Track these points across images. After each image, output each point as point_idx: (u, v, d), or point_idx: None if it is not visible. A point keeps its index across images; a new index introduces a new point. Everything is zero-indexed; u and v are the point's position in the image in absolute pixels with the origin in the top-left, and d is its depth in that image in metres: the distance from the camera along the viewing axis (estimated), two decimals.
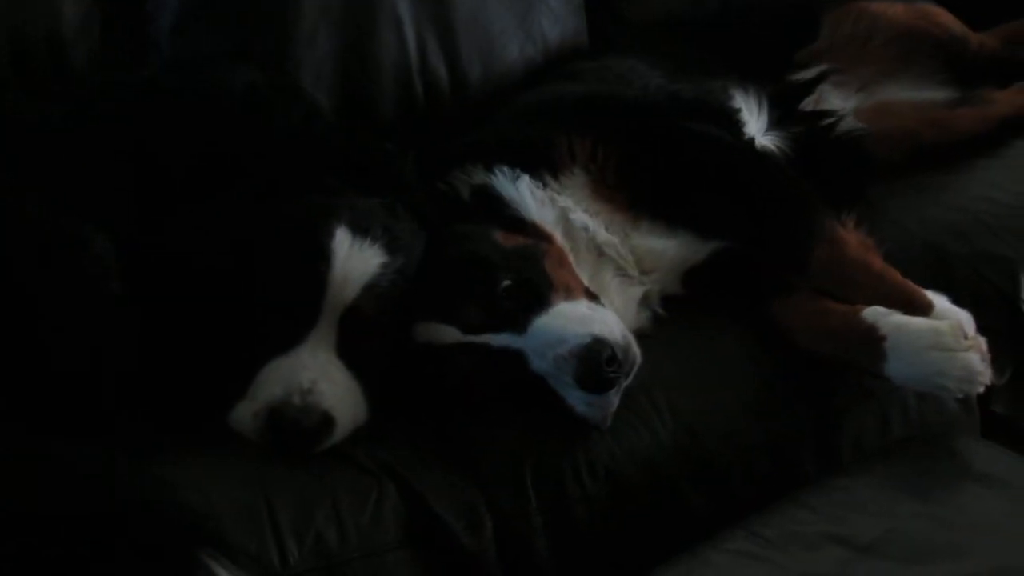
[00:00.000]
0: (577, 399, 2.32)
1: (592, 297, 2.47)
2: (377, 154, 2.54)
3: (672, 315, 2.67)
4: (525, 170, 2.58)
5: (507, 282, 2.37)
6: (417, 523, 2.28)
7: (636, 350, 2.36)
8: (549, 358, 2.30)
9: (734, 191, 2.66)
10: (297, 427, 2.24)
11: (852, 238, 2.62)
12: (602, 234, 2.59)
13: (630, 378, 2.36)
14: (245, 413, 2.27)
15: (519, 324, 2.35)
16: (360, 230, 2.32)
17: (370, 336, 2.33)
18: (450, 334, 2.38)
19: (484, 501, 2.35)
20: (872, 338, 2.49)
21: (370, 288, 2.31)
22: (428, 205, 2.49)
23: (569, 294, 2.42)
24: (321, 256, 2.27)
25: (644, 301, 2.65)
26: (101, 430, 2.18)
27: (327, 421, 2.26)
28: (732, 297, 2.69)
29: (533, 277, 2.41)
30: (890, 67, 3.26)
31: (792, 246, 2.61)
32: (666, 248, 2.66)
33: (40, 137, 2.43)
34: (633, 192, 2.65)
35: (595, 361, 2.27)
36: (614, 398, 2.34)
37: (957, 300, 2.59)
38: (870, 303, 2.53)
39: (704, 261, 2.68)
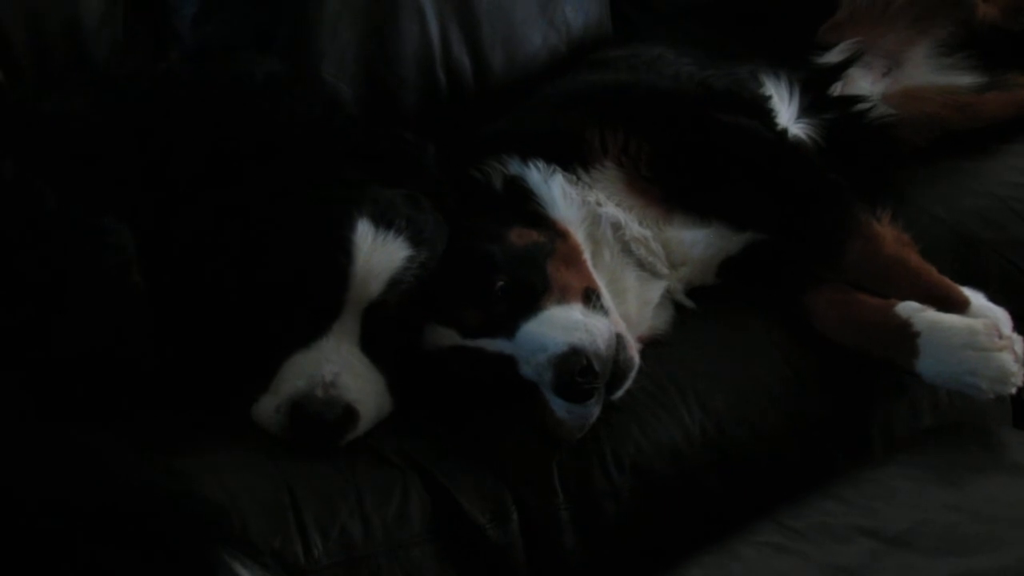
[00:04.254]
0: (558, 406, 2.30)
1: (590, 300, 2.41)
2: (399, 145, 2.50)
3: (700, 306, 2.64)
4: (559, 164, 2.54)
5: (502, 283, 2.34)
6: (443, 517, 2.26)
7: (629, 356, 2.34)
8: (532, 365, 2.28)
9: (768, 183, 2.62)
10: (320, 420, 2.22)
11: (888, 233, 2.58)
12: (635, 228, 2.56)
13: (625, 385, 2.35)
14: (268, 406, 2.26)
15: (510, 328, 2.32)
16: (383, 222, 2.29)
17: (394, 329, 2.31)
18: (448, 336, 2.35)
19: (510, 495, 2.32)
20: (905, 334, 2.45)
21: (394, 282, 2.28)
22: (451, 196, 2.46)
23: (564, 296, 2.38)
24: (343, 250, 2.25)
25: (666, 297, 2.62)
26: (122, 420, 2.16)
27: (350, 414, 2.25)
28: (762, 288, 2.66)
29: (530, 278, 2.38)
30: (910, 35, 3.20)
31: (826, 240, 2.58)
32: (698, 240, 2.63)
33: (59, 128, 2.40)
34: (667, 185, 2.63)
35: (569, 371, 2.24)
36: (593, 408, 2.31)
37: (986, 287, 2.56)
38: (905, 299, 2.50)
39: (738, 253, 2.65)
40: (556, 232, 2.49)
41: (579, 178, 2.57)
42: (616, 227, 2.55)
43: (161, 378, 2.24)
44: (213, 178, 2.31)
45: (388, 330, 2.30)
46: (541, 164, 2.54)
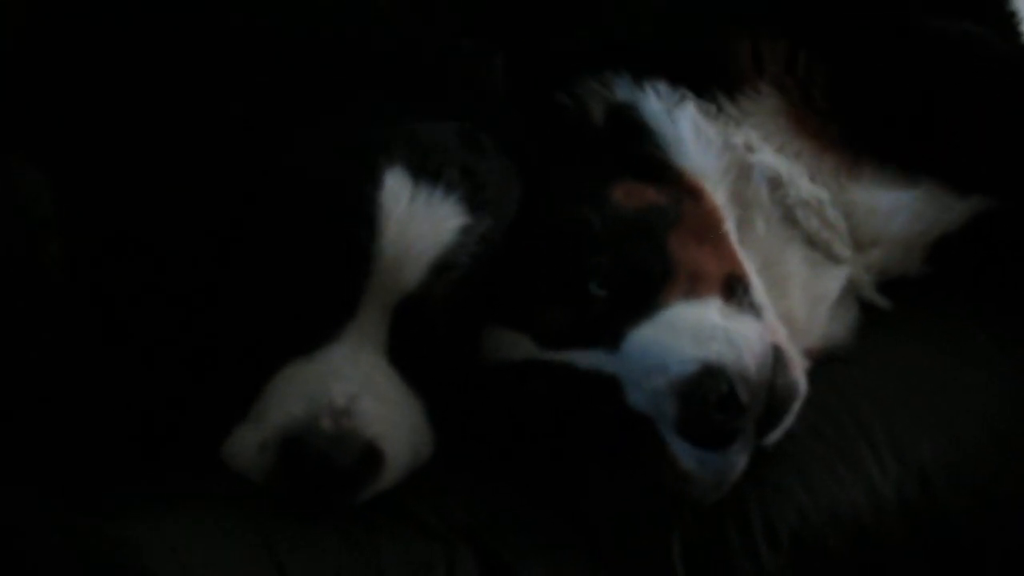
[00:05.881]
0: (684, 452, 1.85)
1: (734, 293, 1.94)
2: (450, 55, 2.03)
3: (898, 307, 2.21)
4: (691, 88, 2.09)
5: (601, 266, 1.90)
6: None
7: (791, 380, 1.90)
8: (646, 390, 1.84)
9: (1006, 122, 2.16)
10: (327, 465, 1.81)
11: None
12: (804, 186, 2.11)
13: (783, 423, 1.91)
14: (247, 443, 1.86)
15: (613, 335, 1.87)
16: (426, 174, 1.85)
17: (439, 335, 1.89)
18: (521, 347, 1.91)
19: None
20: None
21: (441, 265, 1.85)
22: (526, 132, 2.00)
23: (695, 287, 1.92)
24: (363, 216, 1.82)
25: (848, 291, 2.18)
26: (34, 461, 1.78)
27: (372, 456, 1.84)
28: (990, 282, 2.23)
29: (643, 259, 1.93)
30: None
31: None
32: (900, 208, 2.17)
33: None
34: (852, 122, 2.16)
35: (702, 401, 1.82)
36: (736, 457, 1.88)
37: None
38: None
39: (958, 229, 2.22)
40: (684, 189, 2.04)
41: (720, 109, 2.11)
42: (775, 184, 2.09)
43: (93, 398, 1.84)
44: (175, 106, 1.90)
45: (430, 336, 1.88)
46: (663, 88, 2.07)
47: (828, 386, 2.06)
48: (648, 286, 1.91)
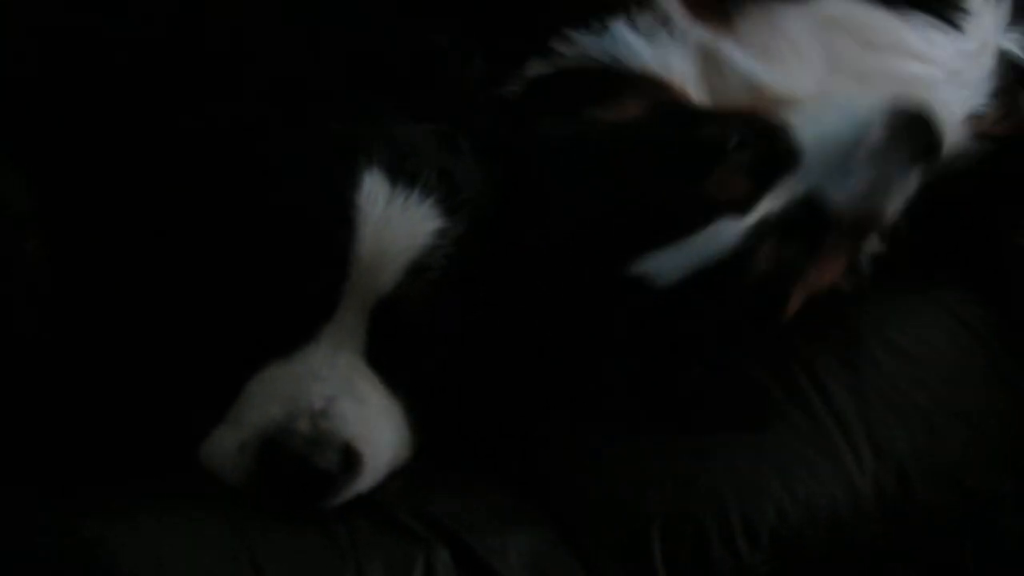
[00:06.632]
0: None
1: None
2: (428, 56, 1.97)
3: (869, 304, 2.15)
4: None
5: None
6: None
7: None
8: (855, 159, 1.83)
9: None
10: (305, 466, 1.78)
11: None
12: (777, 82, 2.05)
13: None
14: (226, 444, 1.81)
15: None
16: (404, 176, 1.80)
17: (417, 335, 1.85)
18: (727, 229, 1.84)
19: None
20: None
21: (418, 266, 1.82)
22: (501, 133, 1.95)
23: None
24: (342, 217, 1.78)
25: None
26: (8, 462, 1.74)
27: (350, 458, 1.80)
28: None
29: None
30: None
31: None
32: None
33: None
34: None
35: None
36: None
37: None
38: None
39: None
40: (654, 84, 2.00)
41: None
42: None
43: (64, 394, 1.80)
44: (147, 97, 1.84)
45: (407, 337, 1.84)
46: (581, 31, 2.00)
47: (807, 379, 2.03)
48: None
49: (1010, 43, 2.25)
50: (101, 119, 1.83)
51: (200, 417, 1.82)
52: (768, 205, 1.88)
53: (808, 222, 1.89)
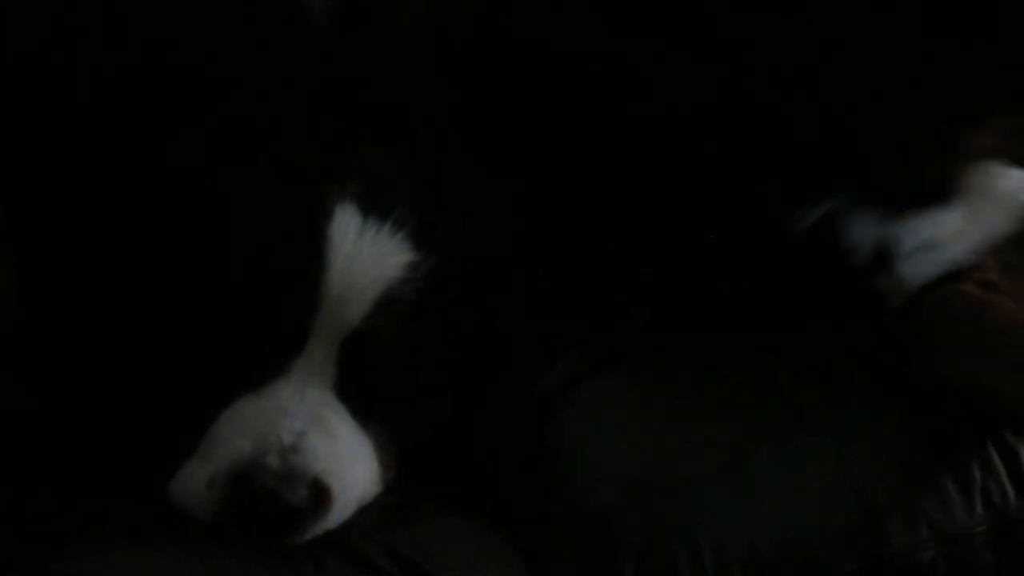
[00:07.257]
0: None
1: None
2: (402, 88, 1.92)
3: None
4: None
5: None
6: None
7: None
8: None
9: None
10: (274, 502, 1.72)
11: None
12: None
13: None
14: (194, 479, 1.75)
15: None
16: (376, 209, 1.77)
17: (387, 369, 1.80)
18: None
19: None
20: None
21: (387, 300, 1.78)
22: (479, 172, 1.90)
23: None
24: (313, 249, 1.74)
25: None
26: None
27: (319, 494, 1.74)
28: None
29: None
30: None
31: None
32: None
33: None
34: None
35: None
36: None
37: None
38: None
39: None
40: None
41: None
42: None
43: (35, 427, 1.77)
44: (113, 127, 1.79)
45: (377, 371, 1.79)
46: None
47: (781, 404, 1.95)
48: None
49: None
50: (66, 151, 1.79)
51: (170, 451, 1.76)
52: None
53: None
